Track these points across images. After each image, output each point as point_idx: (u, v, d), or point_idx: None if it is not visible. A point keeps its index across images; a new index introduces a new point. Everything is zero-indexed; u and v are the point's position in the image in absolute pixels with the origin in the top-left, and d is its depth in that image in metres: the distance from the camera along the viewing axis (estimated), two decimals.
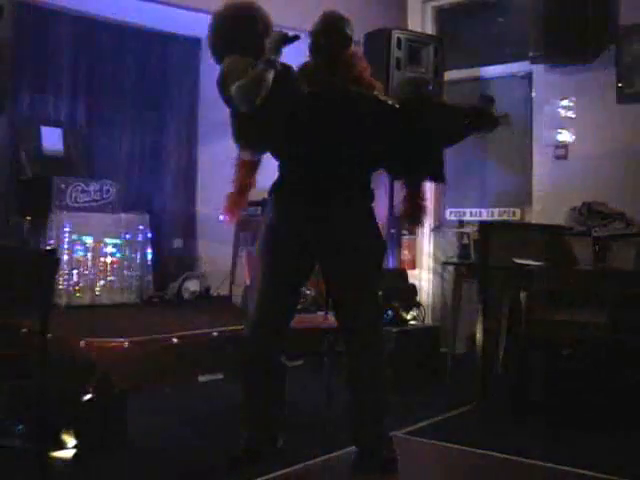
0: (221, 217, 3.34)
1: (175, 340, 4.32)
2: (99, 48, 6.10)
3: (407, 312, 4.88)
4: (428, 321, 5.50)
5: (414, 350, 4.69)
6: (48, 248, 4.72)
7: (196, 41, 6.61)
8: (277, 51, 2.80)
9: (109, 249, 5.65)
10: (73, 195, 5.49)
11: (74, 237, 5.45)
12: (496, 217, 5.54)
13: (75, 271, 5.42)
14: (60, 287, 5.24)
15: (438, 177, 3.20)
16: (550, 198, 5.22)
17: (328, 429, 3.33)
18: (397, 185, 3.89)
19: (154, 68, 6.49)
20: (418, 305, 5.03)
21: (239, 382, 3.14)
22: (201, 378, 4.43)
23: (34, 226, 5.46)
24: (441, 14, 6.14)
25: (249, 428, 3.04)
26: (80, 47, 5.98)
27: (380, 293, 3.16)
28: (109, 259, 5.64)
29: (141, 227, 5.89)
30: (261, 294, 3.00)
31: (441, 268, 5.45)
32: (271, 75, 2.78)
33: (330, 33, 3.04)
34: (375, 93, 3.11)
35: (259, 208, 5.17)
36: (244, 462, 2.96)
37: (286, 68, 2.94)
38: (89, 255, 5.53)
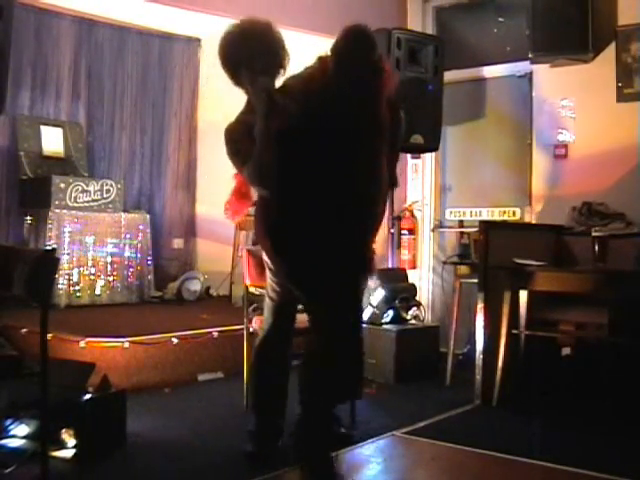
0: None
1: (175, 340, 4.33)
2: (99, 48, 6.10)
3: (407, 311, 4.88)
4: (428, 321, 5.50)
5: (414, 350, 4.69)
6: (48, 248, 4.71)
7: (196, 41, 6.62)
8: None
9: (109, 249, 5.66)
10: (73, 195, 5.49)
11: (74, 237, 5.45)
12: (496, 217, 5.54)
13: (75, 271, 5.43)
14: (60, 287, 5.25)
15: None
16: (550, 198, 5.22)
17: None
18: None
19: (154, 68, 6.49)
20: (418, 304, 5.02)
21: (254, 374, 3.18)
22: (201, 377, 4.44)
23: (34, 226, 5.47)
24: (441, 14, 6.14)
25: (264, 413, 3.11)
26: (80, 47, 5.98)
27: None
28: (109, 259, 5.65)
29: (141, 227, 5.90)
30: (275, 295, 3.09)
31: (441, 268, 5.45)
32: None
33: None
34: None
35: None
36: (261, 455, 3.04)
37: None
38: (89, 255, 5.54)
